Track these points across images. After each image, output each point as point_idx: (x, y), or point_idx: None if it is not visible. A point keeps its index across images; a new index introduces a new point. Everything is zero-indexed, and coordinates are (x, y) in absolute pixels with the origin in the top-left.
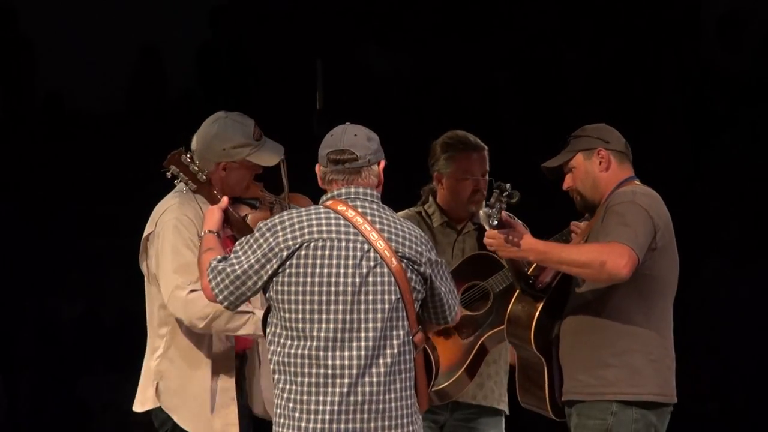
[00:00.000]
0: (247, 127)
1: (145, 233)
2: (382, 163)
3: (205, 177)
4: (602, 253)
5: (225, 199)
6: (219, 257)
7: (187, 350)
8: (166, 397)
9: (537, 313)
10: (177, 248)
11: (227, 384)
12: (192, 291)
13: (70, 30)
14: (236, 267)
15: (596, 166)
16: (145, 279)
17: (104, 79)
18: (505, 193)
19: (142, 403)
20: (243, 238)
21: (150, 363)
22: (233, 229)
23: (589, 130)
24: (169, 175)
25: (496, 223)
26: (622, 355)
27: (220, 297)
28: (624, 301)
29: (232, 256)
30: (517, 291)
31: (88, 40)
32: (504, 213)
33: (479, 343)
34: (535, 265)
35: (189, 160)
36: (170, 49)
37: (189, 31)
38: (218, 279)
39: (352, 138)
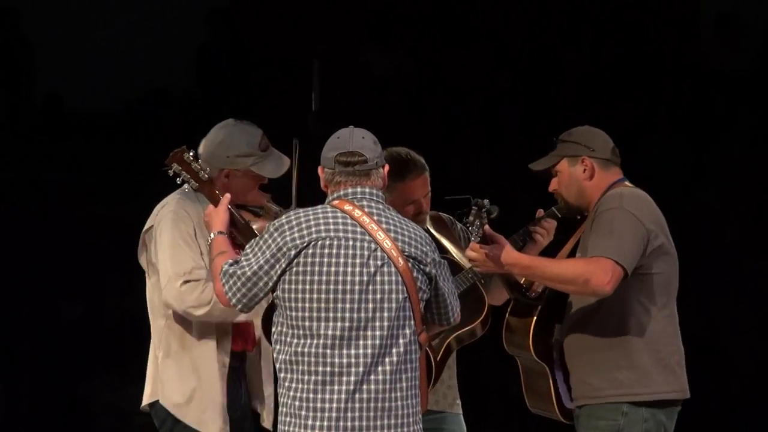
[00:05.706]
0: (254, 136)
1: (145, 227)
2: (387, 167)
3: (207, 175)
4: (586, 270)
5: (227, 196)
6: (231, 261)
7: (180, 343)
8: (164, 392)
9: (534, 321)
10: (174, 240)
11: (214, 377)
12: (186, 282)
13: (69, 31)
14: (246, 269)
15: (581, 174)
16: (146, 273)
17: (104, 80)
18: (484, 209)
19: (146, 397)
20: (252, 240)
21: (151, 357)
22: (237, 230)
23: (575, 135)
24: (171, 173)
25: (478, 240)
26: (631, 356)
27: (234, 300)
28: (628, 302)
29: (242, 258)
30: (512, 301)
31: (87, 41)
32: (486, 227)
33: (445, 344)
34: None
35: (191, 158)
36: (170, 50)
37: (188, 32)
38: (231, 282)
39: (360, 140)
